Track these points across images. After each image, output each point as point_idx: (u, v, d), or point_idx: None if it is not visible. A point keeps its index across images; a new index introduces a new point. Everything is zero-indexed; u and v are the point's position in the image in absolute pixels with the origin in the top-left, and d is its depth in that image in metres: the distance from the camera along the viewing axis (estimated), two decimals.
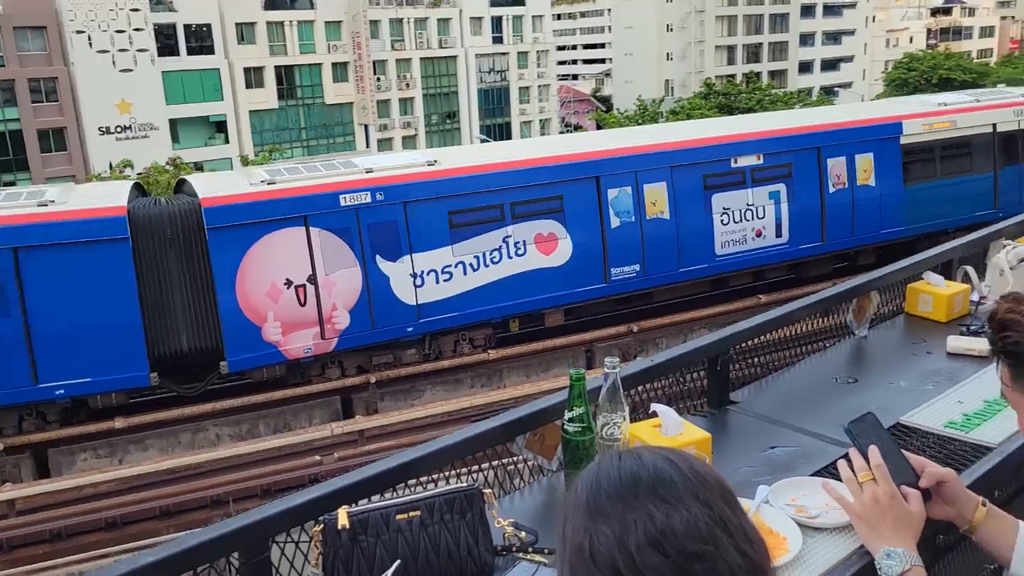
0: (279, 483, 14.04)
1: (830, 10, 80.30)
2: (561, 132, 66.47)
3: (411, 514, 1.74)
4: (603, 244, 17.76)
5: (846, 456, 1.73)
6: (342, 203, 15.83)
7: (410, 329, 16.75)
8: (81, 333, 14.45)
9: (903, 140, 20.58)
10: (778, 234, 19.66)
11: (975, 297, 3.55)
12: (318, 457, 15.02)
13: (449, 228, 16.62)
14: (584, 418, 1.98)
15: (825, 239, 20.31)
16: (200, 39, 50.81)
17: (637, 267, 18.10)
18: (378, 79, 56.77)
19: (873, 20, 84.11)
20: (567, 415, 1.98)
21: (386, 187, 16.16)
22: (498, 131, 62.24)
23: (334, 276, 15.91)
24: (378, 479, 1.86)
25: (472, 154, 21.35)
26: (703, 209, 18.71)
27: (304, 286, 15.79)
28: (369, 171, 16.50)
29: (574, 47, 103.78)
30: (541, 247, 17.32)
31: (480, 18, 61.44)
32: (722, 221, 18.89)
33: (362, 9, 54.21)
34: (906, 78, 60.20)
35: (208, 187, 16.23)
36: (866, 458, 1.68)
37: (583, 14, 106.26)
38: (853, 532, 1.73)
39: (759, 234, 19.38)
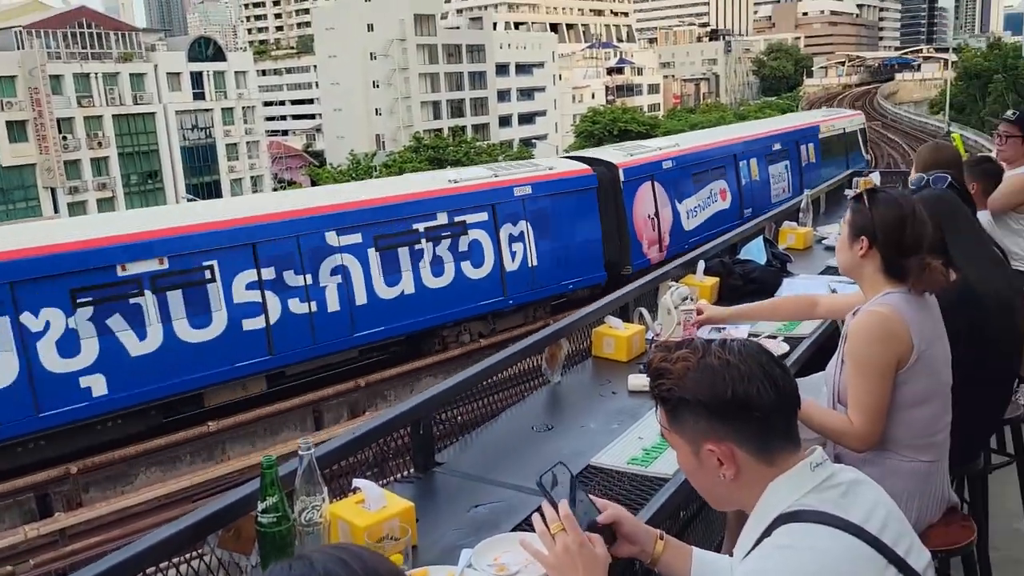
0: None
1: (522, 69, 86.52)
2: (275, 188, 64.90)
3: None
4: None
5: (539, 509, 1.82)
6: None
7: None
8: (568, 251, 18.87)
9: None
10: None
11: (649, 336, 3.95)
12: (9, 568, 13.10)
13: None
14: (279, 507, 1.91)
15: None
16: None
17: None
18: (64, 138, 51.90)
19: (560, 78, 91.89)
20: (260, 506, 1.91)
21: None
22: (206, 189, 59.39)
23: None
24: None
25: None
26: None
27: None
28: None
29: (282, 103, 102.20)
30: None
31: (178, 73, 58.56)
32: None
33: (40, 63, 49.45)
34: (592, 130, 66.18)
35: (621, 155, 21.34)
36: (556, 509, 1.77)
37: (289, 70, 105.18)
38: None
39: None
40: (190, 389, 15.20)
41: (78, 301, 13.23)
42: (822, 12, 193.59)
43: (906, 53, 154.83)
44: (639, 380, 3.39)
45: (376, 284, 16.54)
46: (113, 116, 54.45)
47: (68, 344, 13.22)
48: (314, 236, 15.81)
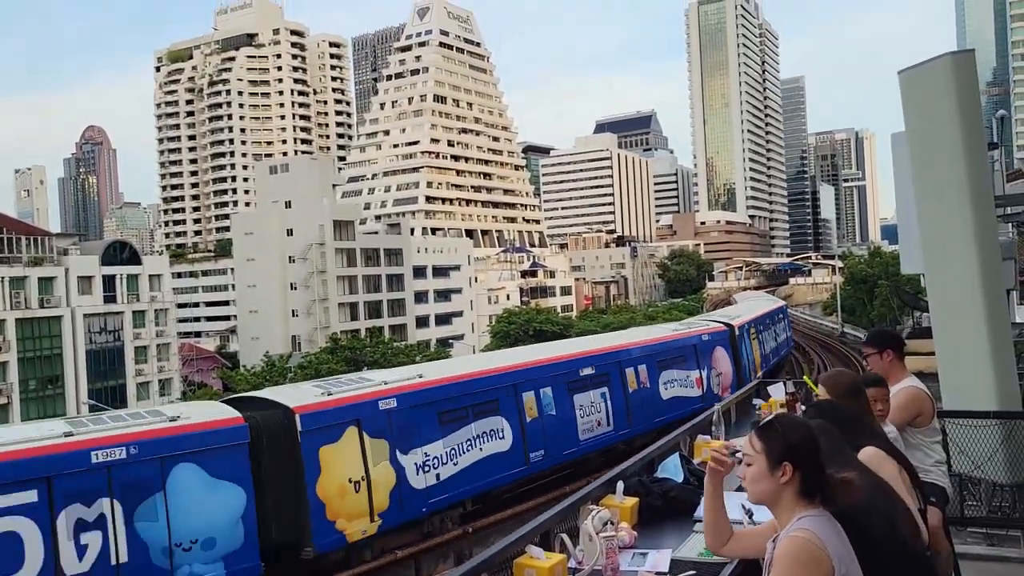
0: None
1: (438, 272, 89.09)
2: (184, 392, 63.00)
3: None
4: None
5: None
6: None
7: None
8: None
9: None
10: None
11: (572, 564, 3.88)
12: None
13: None
14: None
15: None
16: None
17: None
18: None
19: (476, 280, 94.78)
20: None
21: None
22: (110, 394, 57.19)
23: None
24: None
25: None
26: None
27: None
28: None
29: (196, 304, 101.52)
30: None
31: (90, 277, 57.96)
32: None
33: None
34: (508, 330, 67.51)
35: None
36: None
37: (205, 272, 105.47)
38: None
39: None
40: None
41: None
42: (718, 221, 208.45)
43: (797, 259, 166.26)
44: None
45: None
46: (16, 320, 52.90)
47: None
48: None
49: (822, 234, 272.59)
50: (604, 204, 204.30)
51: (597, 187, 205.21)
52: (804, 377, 7.92)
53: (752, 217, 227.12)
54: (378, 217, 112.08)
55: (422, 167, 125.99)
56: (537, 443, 18.98)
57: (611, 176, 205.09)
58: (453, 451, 17.15)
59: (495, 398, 18.38)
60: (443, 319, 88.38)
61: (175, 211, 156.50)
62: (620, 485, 4.65)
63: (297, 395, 15.88)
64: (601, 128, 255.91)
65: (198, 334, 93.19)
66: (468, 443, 17.47)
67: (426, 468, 16.51)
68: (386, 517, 15.61)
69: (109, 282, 58.97)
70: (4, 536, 11.58)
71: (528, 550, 3.80)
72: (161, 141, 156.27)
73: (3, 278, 52.70)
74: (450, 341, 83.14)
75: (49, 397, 54.79)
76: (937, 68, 7.08)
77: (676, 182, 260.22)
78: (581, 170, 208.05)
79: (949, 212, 7.14)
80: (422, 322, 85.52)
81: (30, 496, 11.90)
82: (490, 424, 18.06)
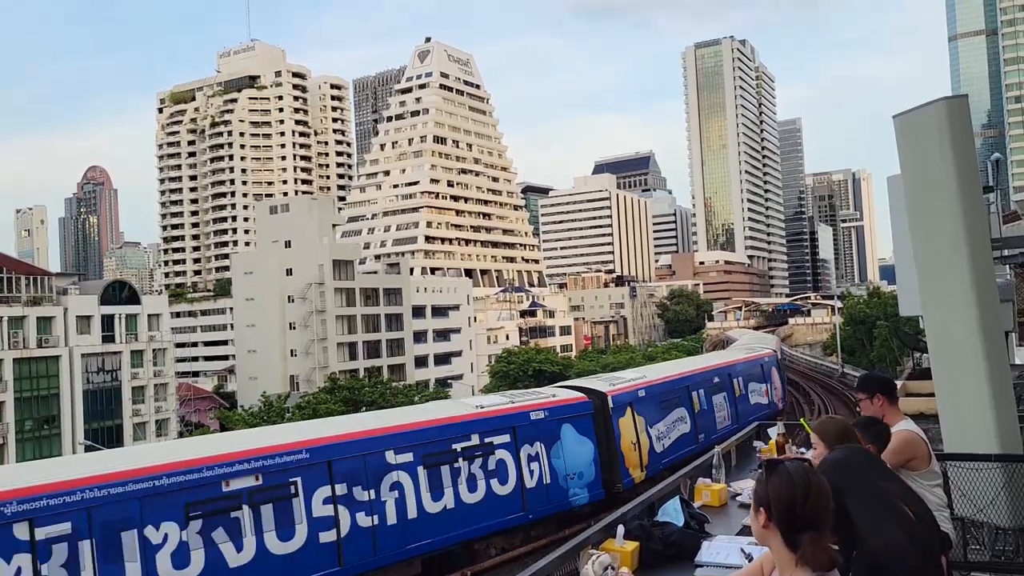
0: None
1: (438, 311, 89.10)
2: (181, 432, 62.65)
3: None
4: None
5: None
6: None
7: None
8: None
9: None
10: None
11: None
12: None
13: None
14: None
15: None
16: None
17: None
18: None
19: (475, 320, 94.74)
20: None
21: None
22: (107, 435, 56.85)
23: None
24: None
25: None
26: None
27: None
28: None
29: (195, 344, 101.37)
30: None
31: (89, 316, 57.95)
32: None
33: None
34: (507, 370, 67.33)
35: None
36: None
37: (204, 312, 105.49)
38: None
39: None
40: None
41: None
42: (717, 261, 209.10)
43: (796, 299, 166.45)
44: None
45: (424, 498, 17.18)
46: (14, 359, 52.79)
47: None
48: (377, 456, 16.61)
49: (821, 274, 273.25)
50: (603, 244, 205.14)
51: (596, 227, 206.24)
52: (801, 420, 7.91)
53: (751, 257, 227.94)
54: (377, 257, 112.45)
55: (422, 207, 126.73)
56: (702, 427, 25.97)
57: (610, 216, 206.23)
58: (669, 429, 24.00)
59: (680, 394, 25.69)
60: (442, 359, 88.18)
61: (175, 250, 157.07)
62: (620, 529, 4.63)
63: (603, 385, 22.64)
64: (600, 168, 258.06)
65: (196, 374, 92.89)
66: (675, 423, 24.50)
67: (659, 439, 23.41)
68: (648, 470, 21.85)
69: (108, 322, 58.94)
70: (498, 461, 18.35)
71: None
72: (162, 181, 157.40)
73: (2, 318, 52.70)
74: (449, 381, 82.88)
75: (45, 437, 54.44)
76: (931, 113, 7.18)
77: (675, 222, 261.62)
78: (580, 210, 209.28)
79: (946, 255, 7.19)
80: (421, 362, 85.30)
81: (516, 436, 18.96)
82: (680, 412, 25.00)
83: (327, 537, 14.76)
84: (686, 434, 24.75)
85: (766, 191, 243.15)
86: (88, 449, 52.98)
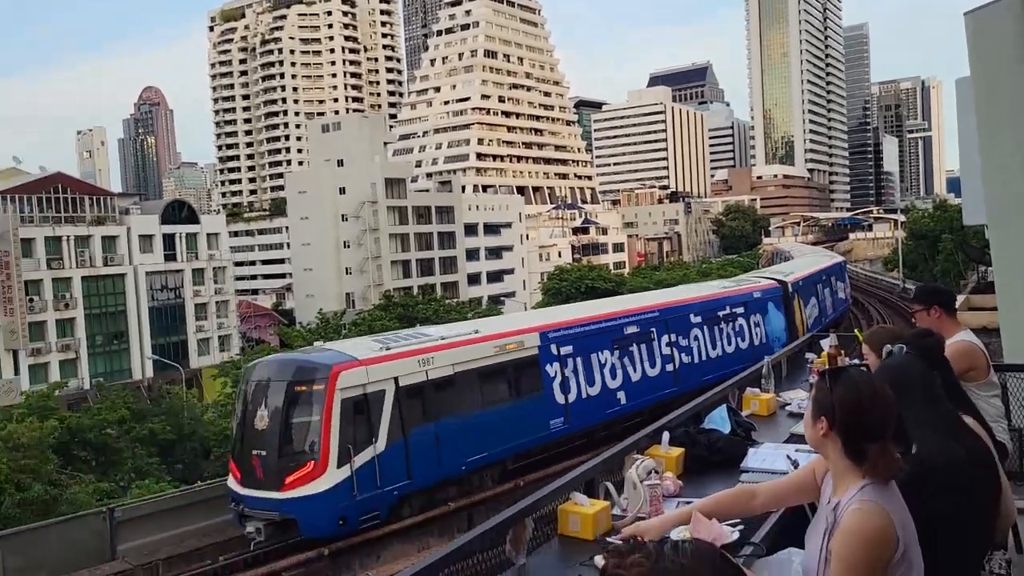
0: None
1: (490, 229, 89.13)
2: (243, 347, 64.62)
3: None
4: None
5: None
6: None
7: None
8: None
9: None
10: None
11: (616, 511, 3.90)
12: None
13: None
14: None
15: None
16: None
17: None
18: (31, 300, 51.76)
19: (527, 237, 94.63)
20: None
21: None
22: (172, 349, 58.94)
23: None
24: None
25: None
26: None
27: None
28: None
29: (253, 263, 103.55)
30: None
31: (151, 236, 59.44)
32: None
33: (12, 227, 50.01)
34: (559, 287, 67.49)
35: None
36: None
37: (261, 231, 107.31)
38: None
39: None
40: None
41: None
42: (775, 176, 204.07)
43: (857, 214, 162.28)
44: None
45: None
46: (82, 278, 54.66)
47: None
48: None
49: (884, 187, 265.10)
50: (657, 159, 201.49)
51: (650, 142, 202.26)
52: (856, 332, 7.78)
53: (811, 171, 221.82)
54: (429, 175, 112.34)
55: (473, 123, 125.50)
56: (823, 309, 36.33)
57: (665, 130, 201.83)
58: (811, 310, 32.92)
59: (816, 285, 35.74)
60: (494, 276, 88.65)
61: (231, 170, 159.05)
62: (665, 436, 4.65)
63: (780, 275, 31.85)
64: (655, 81, 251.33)
65: (255, 291, 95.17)
66: (813, 306, 33.60)
67: (808, 316, 31.91)
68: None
69: (169, 241, 60.44)
70: (739, 325, 26.38)
71: (573, 497, 3.84)
72: (216, 101, 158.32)
73: (69, 237, 54.39)
74: (501, 298, 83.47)
75: (115, 352, 56.71)
76: (1003, 8, 6.75)
77: (732, 136, 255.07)
78: (634, 124, 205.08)
79: (1013, 164, 6.87)
80: (474, 279, 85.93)
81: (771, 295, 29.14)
82: (814, 299, 34.76)
83: (669, 367, 23.14)
84: (817, 316, 33.81)
85: (829, 101, 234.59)
86: (156, 363, 55.18)
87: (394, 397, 16.15)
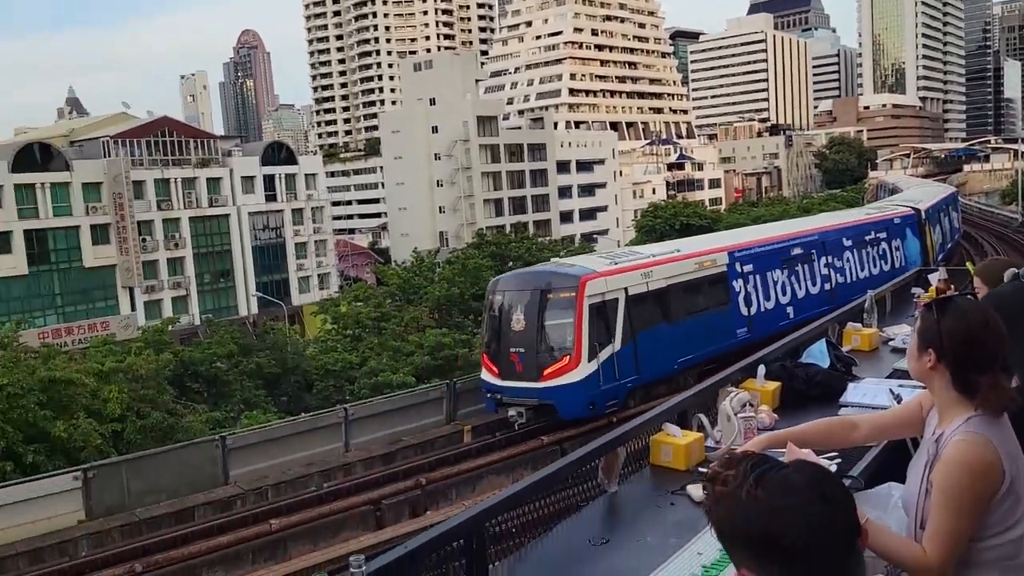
0: None
1: (582, 166, 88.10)
2: (341, 286, 66.42)
3: None
4: None
5: None
6: None
7: None
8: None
9: None
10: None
11: (710, 443, 3.86)
12: None
13: None
14: None
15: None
16: None
17: None
18: (144, 240, 54.38)
19: (620, 174, 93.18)
20: None
21: None
22: (275, 287, 61.10)
23: None
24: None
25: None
26: None
27: None
28: None
29: (349, 202, 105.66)
30: None
31: (252, 177, 61.24)
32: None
33: (124, 170, 52.32)
34: (653, 224, 66.44)
35: None
36: None
37: (356, 171, 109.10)
38: None
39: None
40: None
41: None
42: (884, 106, 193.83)
43: (973, 144, 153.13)
44: (698, 490, 3.31)
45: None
46: (190, 218, 56.98)
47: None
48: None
49: (1004, 116, 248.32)
50: (757, 91, 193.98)
51: (750, 72, 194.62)
52: (967, 264, 7.38)
53: (923, 99, 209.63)
54: (521, 112, 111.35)
55: (565, 58, 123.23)
56: (947, 234, 39.89)
57: (765, 60, 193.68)
58: (939, 234, 35.81)
59: (941, 211, 38.03)
60: (587, 214, 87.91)
61: (326, 111, 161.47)
62: (761, 369, 4.55)
63: (914, 203, 33.98)
64: (756, 8, 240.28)
65: (351, 231, 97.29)
66: (941, 231, 36.93)
67: (936, 240, 34.60)
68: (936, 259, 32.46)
69: (269, 182, 62.18)
70: (882, 248, 28.91)
71: (665, 427, 3.81)
72: (311, 43, 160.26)
73: (176, 179, 56.62)
74: (594, 236, 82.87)
75: (222, 289, 59.23)
76: None
77: (837, 64, 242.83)
78: (733, 55, 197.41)
79: None
80: (566, 217, 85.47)
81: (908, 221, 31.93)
82: (943, 224, 38.10)
83: (827, 286, 25.46)
84: (942, 242, 36.49)
85: (944, 24, 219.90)
86: (260, 300, 57.35)
87: (625, 304, 18.89)
